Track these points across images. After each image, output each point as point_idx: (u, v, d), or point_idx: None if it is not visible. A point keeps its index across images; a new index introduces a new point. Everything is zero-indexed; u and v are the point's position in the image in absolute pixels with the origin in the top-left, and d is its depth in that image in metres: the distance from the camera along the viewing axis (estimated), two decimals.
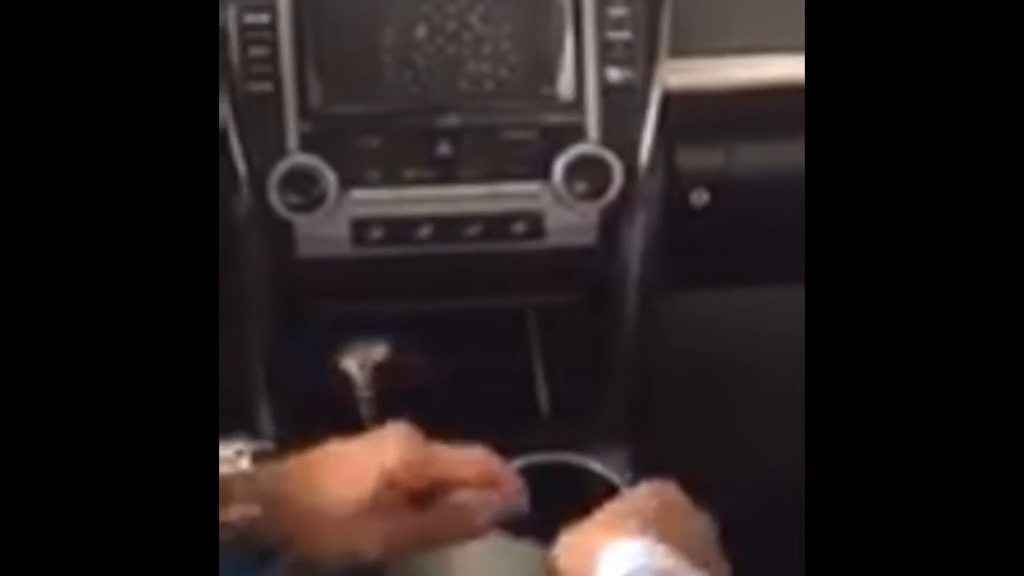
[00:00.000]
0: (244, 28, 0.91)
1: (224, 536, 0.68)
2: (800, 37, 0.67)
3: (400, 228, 0.93)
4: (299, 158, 0.91)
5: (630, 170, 0.93)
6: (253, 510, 0.70)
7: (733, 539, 0.64)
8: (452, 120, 0.92)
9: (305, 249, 0.94)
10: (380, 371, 0.92)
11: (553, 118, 0.92)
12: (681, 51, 0.96)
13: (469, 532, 0.74)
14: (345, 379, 0.96)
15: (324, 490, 0.70)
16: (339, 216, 0.92)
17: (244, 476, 0.73)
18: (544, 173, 0.92)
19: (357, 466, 0.71)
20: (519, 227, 0.93)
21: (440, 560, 0.85)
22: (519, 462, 0.81)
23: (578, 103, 0.92)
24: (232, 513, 0.69)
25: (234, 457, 0.75)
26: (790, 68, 0.92)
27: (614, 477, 0.87)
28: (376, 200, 0.92)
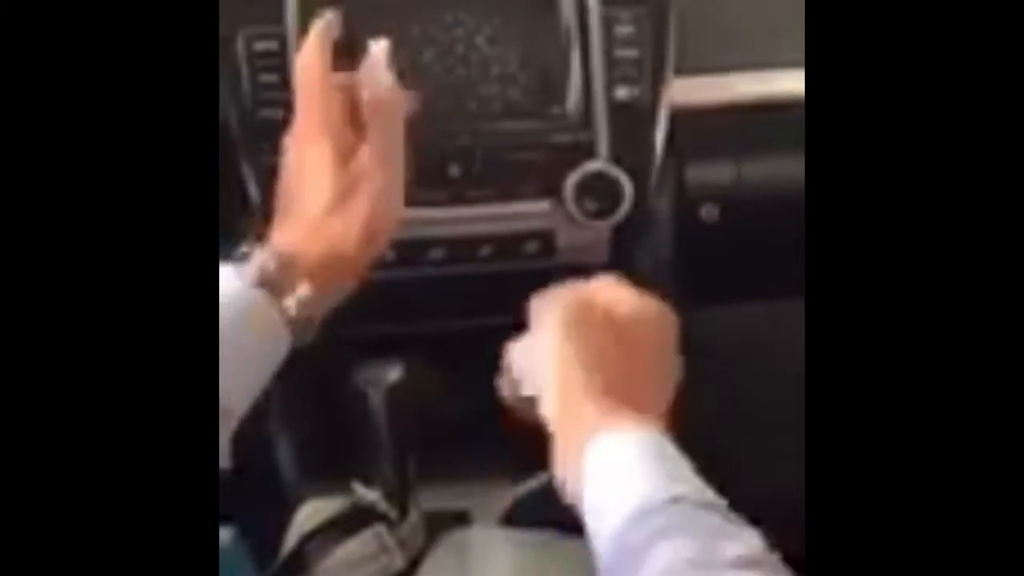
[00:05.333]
0: (254, 56, 0.91)
1: None
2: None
3: (412, 250, 0.93)
4: None
5: (640, 187, 0.93)
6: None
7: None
8: (462, 141, 0.92)
9: None
10: (394, 393, 0.92)
11: (562, 137, 0.93)
12: (688, 68, 0.96)
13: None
14: (360, 401, 0.96)
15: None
16: None
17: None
18: (554, 192, 0.92)
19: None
20: (531, 246, 0.94)
21: (487, 556, 0.85)
22: (537, 480, 0.81)
23: (587, 122, 0.93)
24: None
25: None
26: (797, 83, 0.92)
27: None
28: None
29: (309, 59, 0.83)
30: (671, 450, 0.69)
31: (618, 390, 0.72)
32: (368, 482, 0.96)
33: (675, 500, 0.64)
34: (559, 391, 0.74)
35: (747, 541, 0.62)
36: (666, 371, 0.77)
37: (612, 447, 0.69)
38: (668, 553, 0.61)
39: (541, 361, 0.76)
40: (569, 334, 0.75)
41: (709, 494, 0.66)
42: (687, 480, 0.67)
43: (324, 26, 0.85)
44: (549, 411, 0.74)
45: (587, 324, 0.75)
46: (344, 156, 0.80)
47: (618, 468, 0.68)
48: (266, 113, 0.92)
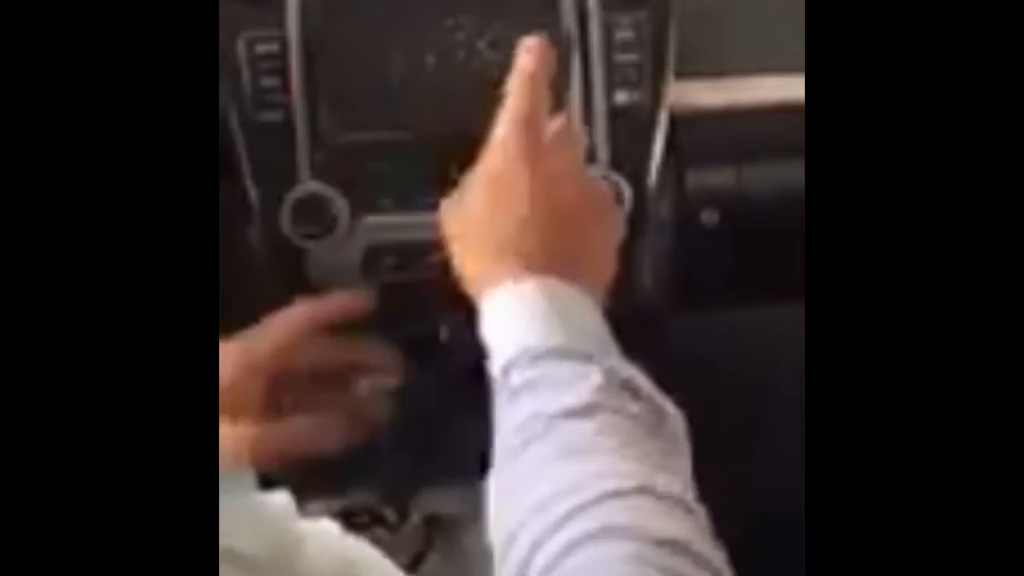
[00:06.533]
0: (255, 58, 0.92)
1: None
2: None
3: (413, 253, 0.93)
4: (311, 186, 0.91)
5: (640, 192, 0.93)
6: None
7: (737, 551, 0.63)
8: (462, 145, 0.92)
9: (318, 276, 0.94)
10: (395, 397, 0.92)
11: None
12: (688, 72, 0.96)
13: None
14: (360, 406, 0.96)
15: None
16: (351, 243, 0.92)
17: None
18: None
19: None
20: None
21: (486, 560, 0.85)
22: None
23: (586, 126, 0.93)
24: None
25: None
26: (797, 88, 0.92)
27: None
28: (388, 226, 0.92)
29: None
30: (569, 303, 0.71)
31: (539, 253, 0.73)
32: (367, 485, 0.96)
33: (541, 354, 0.67)
34: (470, 250, 0.76)
35: (581, 388, 0.65)
36: (598, 241, 0.78)
37: (503, 299, 0.71)
38: (528, 405, 0.66)
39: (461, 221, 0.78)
40: (495, 199, 0.76)
41: (589, 344, 0.69)
42: (569, 330, 0.69)
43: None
44: (462, 269, 0.77)
45: (510, 185, 0.75)
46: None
47: (499, 319, 0.71)
48: (266, 116, 0.92)
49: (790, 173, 0.95)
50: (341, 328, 0.88)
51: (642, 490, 0.60)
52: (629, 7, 0.94)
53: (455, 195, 0.79)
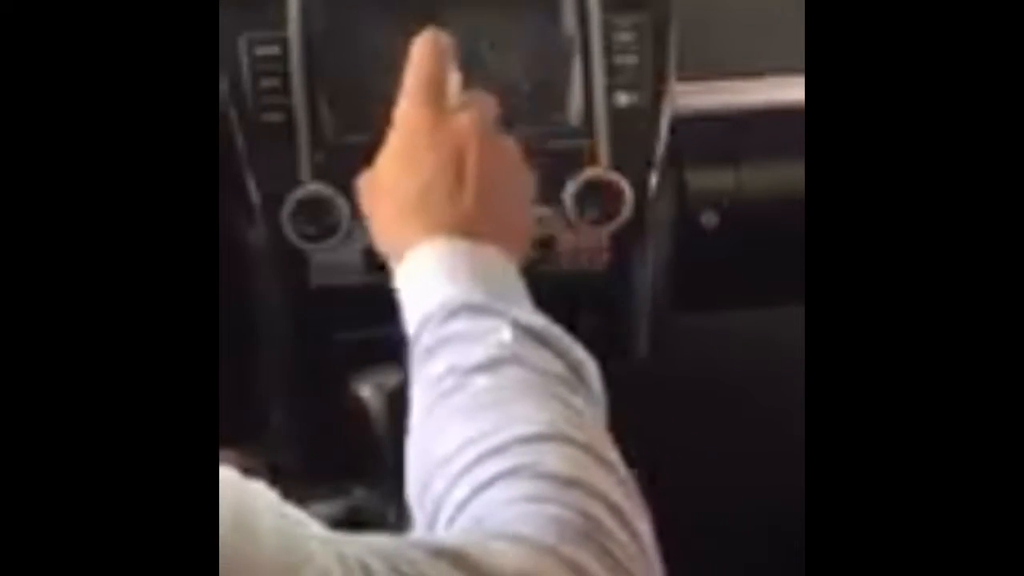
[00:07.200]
0: (255, 60, 0.92)
1: None
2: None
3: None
4: (312, 187, 0.91)
5: (640, 194, 0.93)
6: None
7: (736, 553, 0.64)
8: None
9: (319, 278, 0.94)
10: (395, 397, 0.92)
11: (562, 143, 0.93)
12: (689, 74, 0.96)
13: None
14: (360, 406, 0.96)
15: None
16: (352, 244, 0.92)
17: None
18: (554, 198, 0.92)
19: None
20: (530, 252, 0.94)
21: None
22: None
23: (587, 128, 0.93)
24: None
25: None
26: (797, 90, 0.93)
27: None
28: None
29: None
30: (481, 259, 0.72)
31: (447, 214, 0.74)
32: (369, 487, 0.96)
33: (456, 309, 0.68)
34: (382, 219, 0.77)
35: (491, 342, 0.66)
36: (508, 199, 0.78)
37: (416, 258, 0.73)
38: (444, 360, 0.67)
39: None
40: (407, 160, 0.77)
41: (501, 299, 0.70)
42: (481, 285, 0.70)
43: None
44: (378, 239, 0.78)
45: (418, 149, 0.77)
46: None
47: (413, 277, 0.73)
48: (267, 117, 0.92)
49: (790, 176, 0.95)
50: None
51: (543, 436, 0.61)
52: (630, 9, 0.94)
53: (366, 174, 0.80)
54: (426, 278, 0.72)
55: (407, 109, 0.78)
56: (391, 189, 0.77)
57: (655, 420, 0.72)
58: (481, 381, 0.65)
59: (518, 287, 0.73)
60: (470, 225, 0.73)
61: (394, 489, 0.94)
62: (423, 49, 0.79)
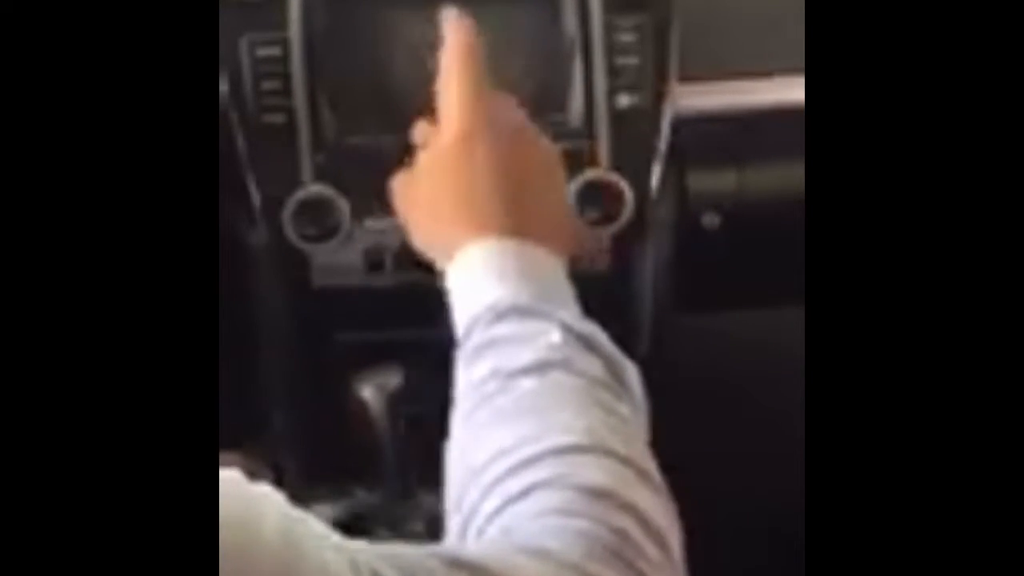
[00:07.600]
0: (256, 61, 0.92)
1: None
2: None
3: (413, 256, 0.93)
4: (313, 189, 0.91)
5: (641, 195, 0.93)
6: None
7: (736, 554, 0.64)
8: None
9: (320, 279, 0.94)
10: (396, 398, 0.92)
11: (564, 145, 0.92)
12: (690, 75, 0.96)
13: None
14: (362, 407, 0.96)
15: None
16: (353, 245, 0.92)
17: None
18: None
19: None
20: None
21: None
22: None
23: (588, 129, 0.93)
24: None
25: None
26: (798, 90, 0.93)
27: None
28: (390, 229, 0.92)
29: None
30: (532, 261, 0.71)
31: (495, 214, 0.74)
32: (370, 488, 0.96)
33: (505, 311, 0.68)
34: (425, 220, 0.78)
35: (539, 345, 0.66)
36: (551, 199, 0.78)
37: (468, 258, 0.72)
38: (489, 362, 0.67)
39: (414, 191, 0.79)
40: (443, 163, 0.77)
41: (551, 302, 0.69)
42: (531, 287, 0.70)
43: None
44: (418, 240, 0.78)
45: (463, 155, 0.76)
46: None
47: (464, 277, 0.72)
48: (268, 118, 0.92)
49: (791, 176, 0.95)
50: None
51: (580, 448, 0.61)
52: (631, 10, 0.94)
53: (404, 174, 0.80)
54: (475, 279, 0.71)
55: (452, 109, 0.77)
56: (436, 190, 0.76)
57: (656, 420, 0.72)
58: (526, 384, 0.65)
59: (566, 289, 0.73)
60: (519, 225, 0.73)
61: (396, 491, 0.94)
62: (465, 36, 0.79)
